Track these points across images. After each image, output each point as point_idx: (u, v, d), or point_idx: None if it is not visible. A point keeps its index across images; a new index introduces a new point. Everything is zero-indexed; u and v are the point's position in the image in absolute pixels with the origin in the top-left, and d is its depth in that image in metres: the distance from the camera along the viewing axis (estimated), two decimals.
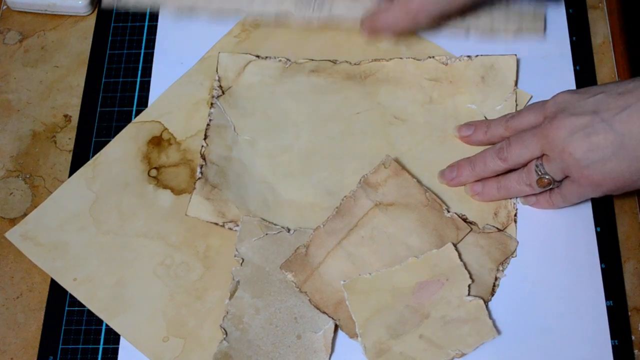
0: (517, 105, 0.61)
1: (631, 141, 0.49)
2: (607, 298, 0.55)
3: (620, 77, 0.63)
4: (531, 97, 0.61)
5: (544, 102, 0.55)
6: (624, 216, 0.58)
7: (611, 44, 0.64)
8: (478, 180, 0.58)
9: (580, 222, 0.58)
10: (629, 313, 0.55)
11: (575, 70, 0.63)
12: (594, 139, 0.50)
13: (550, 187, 0.54)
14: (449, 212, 0.57)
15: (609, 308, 0.55)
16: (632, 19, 0.66)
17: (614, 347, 0.54)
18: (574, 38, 0.64)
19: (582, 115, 0.50)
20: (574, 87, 0.62)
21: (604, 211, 0.58)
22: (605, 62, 0.63)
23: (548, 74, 0.63)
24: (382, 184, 0.57)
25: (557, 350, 0.54)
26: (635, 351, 0.54)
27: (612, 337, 0.54)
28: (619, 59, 0.63)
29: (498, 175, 0.57)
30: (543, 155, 0.54)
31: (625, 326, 0.55)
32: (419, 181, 0.57)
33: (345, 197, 0.57)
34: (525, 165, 0.55)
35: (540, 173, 0.54)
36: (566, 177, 0.53)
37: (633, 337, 0.54)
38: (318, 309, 0.55)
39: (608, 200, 0.58)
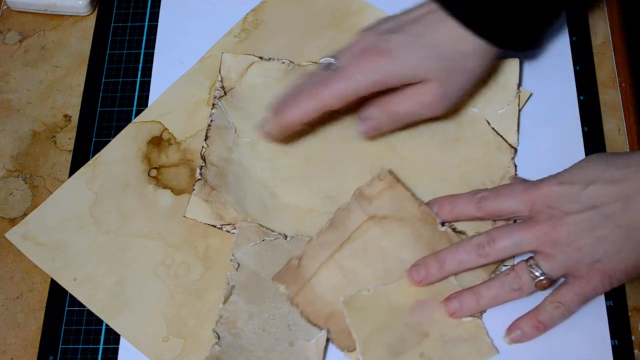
0: (519, 109, 0.61)
1: (637, 233, 0.48)
2: (607, 298, 0.55)
3: (620, 77, 0.63)
4: (531, 94, 0.61)
5: (526, 187, 0.52)
6: None
7: (611, 44, 0.64)
8: (451, 297, 0.53)
9: None
10: (629, 313, 0.55)
11: (575, 70, 0.63)
12: (601, 232, 0.49)
13: (549, 288, 0.52)
14: (442, 225, 0.56)
15: (609, 308, 0.55)
16: (632, 19, 0.66)
17: (614, 347, 0.54)
18: (574, 38, 0.64)
19: (581, 212, 0.49)
20: (574, 87, 0.62)
21: None
22: (605, 62, 0.63)
23: (548, 74, 0.63)
24: (376, 196, 0.57)
25: (557, 350, 0.54)
26: (635, 351, 0.54)
27: (612, 337, 0.54)
28: (619, 59, 0.63)
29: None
30: (536, 252, 0.51)
31: (625, 326, 0.55)
32: (413, 194, 0.57)
33: (339, 209, 0.57)
34: (505, 259, 0.53)
35: (536, 275, 0.51)
36: (567, 276, 0.51)
37: (633, 337, 0.54)
38: (309, 321, 0.54)
39: None
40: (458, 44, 0.53)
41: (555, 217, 0.50)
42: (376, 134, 0.59)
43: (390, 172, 0.58)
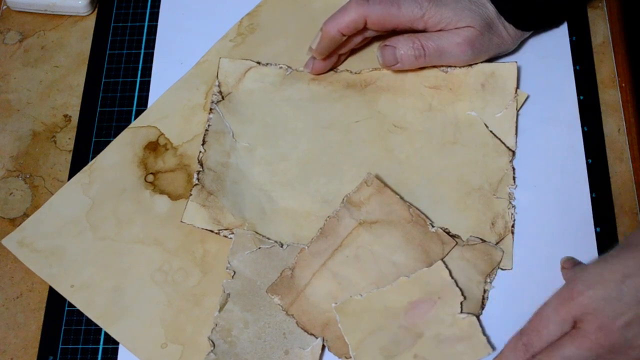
0: (517, 113, 0.61)
1: None
2: None
3: (620, 77, 0.62)
4: (528, 96, 0.61)
5: (558, 303, 0.48)
6: (624, 216, 0.58)
7: (611, 44, 0.64)
8: None
9: (580, 222, 0.57)
10: None
11: (575, 70, 0.63)
12: None
13: None
14: (433, 227, 0.56)
15: None
16: (632, 19, 0.66)
17: None
18: (574, 38, 0.64)
19: (628, 311, 0.46)
20: (574, 86, 0.62)
21: (604, 211, 0.58)
22: (605, 62, 0.63)
23: (548, 74, 0.63)
24: (365, 202, 0.57)
25: None
26: None
27: None
28: (619, 59, 0.63)
29: None
30: None
31: None
32: (401, 197, 0.57)
33: (328, 217, 0.57)
34: None
35: None
36: None
37: None
38: (305, 330, 0.54)
39: (608, 200, 0.58)
40: (499, 14, 0.60)
41: (604, 327, 0.46)
42: (393, 65, 0.61)
43: (377, 176, 0.58)
